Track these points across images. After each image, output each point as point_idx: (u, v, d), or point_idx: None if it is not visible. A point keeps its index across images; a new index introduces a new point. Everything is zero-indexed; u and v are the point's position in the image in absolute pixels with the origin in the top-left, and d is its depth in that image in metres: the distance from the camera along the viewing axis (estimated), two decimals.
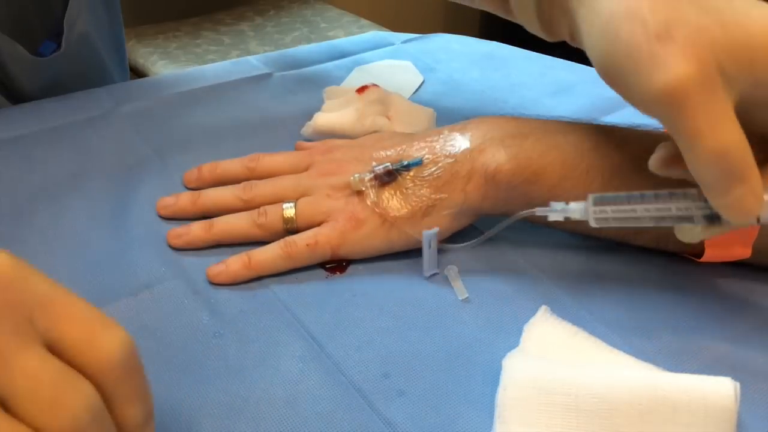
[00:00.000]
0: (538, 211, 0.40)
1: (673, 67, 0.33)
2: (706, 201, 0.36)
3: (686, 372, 0.37)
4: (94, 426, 0.26)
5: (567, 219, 0.40)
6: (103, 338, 0.27)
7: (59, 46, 0.62)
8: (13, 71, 0.58)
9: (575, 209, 0.39)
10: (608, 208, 0.38)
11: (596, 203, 0.38)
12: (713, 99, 0.33)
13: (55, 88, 0.63)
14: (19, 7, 0.59)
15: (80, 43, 0.64)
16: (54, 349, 0.26)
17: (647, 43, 0.34)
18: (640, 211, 0.38)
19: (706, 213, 0.37)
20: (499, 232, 0.43)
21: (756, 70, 0.34)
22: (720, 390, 0.34)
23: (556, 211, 0.40)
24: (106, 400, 0.27)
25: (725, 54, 0.34)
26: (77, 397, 0.25)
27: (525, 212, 0.41)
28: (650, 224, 0.38)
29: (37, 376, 0.25)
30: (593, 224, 0.39)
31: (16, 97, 0.64)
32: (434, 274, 0.45)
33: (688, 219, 0.37)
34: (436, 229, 0.44)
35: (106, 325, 0.27)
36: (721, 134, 0.33)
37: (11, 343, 0.25)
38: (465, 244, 0.45)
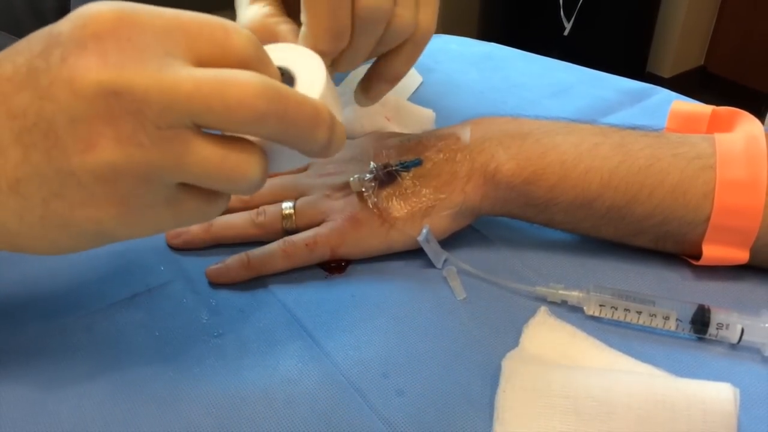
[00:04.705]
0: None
1: None
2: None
3: (686, 375, 0.37)
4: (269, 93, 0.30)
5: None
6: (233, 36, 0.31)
7: None
8: None
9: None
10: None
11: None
12: None
13: None
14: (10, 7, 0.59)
15: None
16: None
17: None
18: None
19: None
20: (497, 233, 0.43)
21: None
22: (720, 395, 0.34)
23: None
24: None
25: None
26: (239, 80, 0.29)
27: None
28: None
29: (199, 78, 0.29)
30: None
31: None
32: (445, 262, 0.46)
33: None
34: (426, 227, 0.44)
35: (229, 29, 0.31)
36: None
37: (164, 64, 0.29)
38: None
